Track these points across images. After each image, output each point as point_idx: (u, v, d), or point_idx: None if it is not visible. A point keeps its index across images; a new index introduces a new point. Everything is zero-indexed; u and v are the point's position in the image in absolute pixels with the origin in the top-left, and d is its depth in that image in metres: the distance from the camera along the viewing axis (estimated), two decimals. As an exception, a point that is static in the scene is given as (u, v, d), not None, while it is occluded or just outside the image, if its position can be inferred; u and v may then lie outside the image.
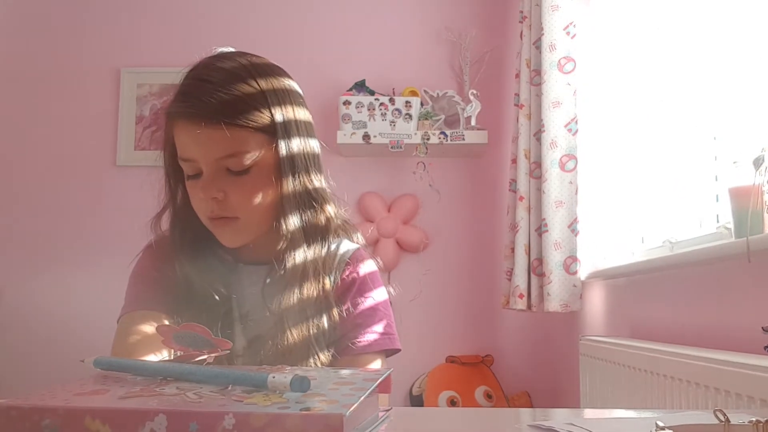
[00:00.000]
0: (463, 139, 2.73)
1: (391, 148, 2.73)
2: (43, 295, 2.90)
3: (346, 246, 1.07)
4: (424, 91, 2.86)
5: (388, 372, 0.57)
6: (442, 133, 2.73)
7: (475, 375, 2.68)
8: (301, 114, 1.01)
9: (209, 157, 0.94)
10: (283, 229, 0.97)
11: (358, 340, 0.99)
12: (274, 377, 0.48)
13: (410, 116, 2.76)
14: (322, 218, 1.02)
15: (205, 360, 0.59)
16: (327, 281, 1.00)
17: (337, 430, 0.41)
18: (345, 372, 0.60)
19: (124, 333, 0.97)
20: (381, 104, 2.76)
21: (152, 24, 3.08)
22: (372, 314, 1.02)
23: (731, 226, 1.33)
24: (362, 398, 0.47)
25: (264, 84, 0.96)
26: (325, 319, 0.99)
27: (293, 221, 0.98)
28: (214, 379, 0.53)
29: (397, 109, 2.76)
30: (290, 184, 0.98)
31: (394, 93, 2.85)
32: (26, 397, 0.49)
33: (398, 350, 1.05)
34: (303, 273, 0.98)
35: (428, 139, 2.72)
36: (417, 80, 2.91)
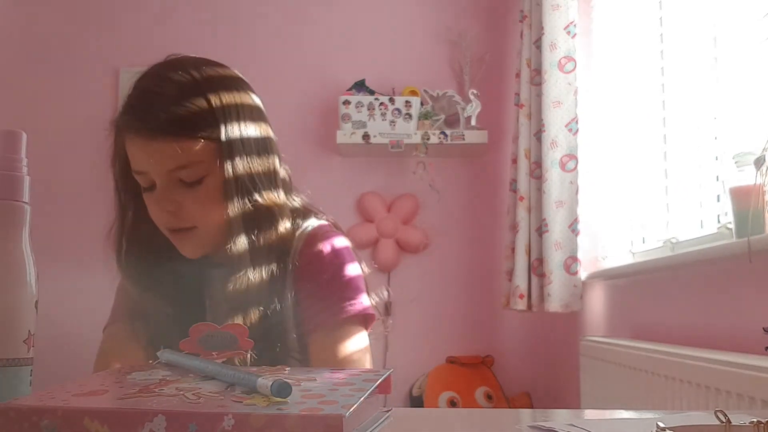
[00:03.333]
0: (463, 139, 2.73)
1: (391, 148, 2.73)
2: (42, 295, 2.89)
3: (309, 223, 1.03)
4: (424, 90, 2.86)
5: (388, 372, 0.57)
6: (442, 132, 2.73)
7: (475, 376, 2.67)
8: (252, 130, 0.98)
9: (161, 169, 0.92)
10: (231, 249, 0.94)
11: (328, 314, 0.95)
12: (263, 380, 0.48)
13: (410, 116, 2.76)
14: (272, 236, 0.98)
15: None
16: (279, 268, 0.97)
17: (337, 431, 0.41)
18: (346, 372, 0.60)
19: (104, 347, 1.03)
20: (381, 104, 2.75)
21: (151, 24, 3.08)
22: (340, 287, 0.98)
23: (732, 226, 1.33)
24: (362, 399, 0.47)
25: (214, 98, 0.94)
26: (282, 305, 0.96)
27: (241, 242, 0.95)
28: (216, 376, 0.53)
29: (397, 109, 2.76)
30: (235, 205, 0.95)
31: (393, 93, 2.84)
32: (25, 398, 0.49)
33: (373, 317, 1.00)
34: (249, 288, 0.94)
35: (428, 138, 2.72)
36: (417, 80, 2.90)
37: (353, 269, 1.01)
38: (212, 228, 0.96)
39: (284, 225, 0.99)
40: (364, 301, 0.99)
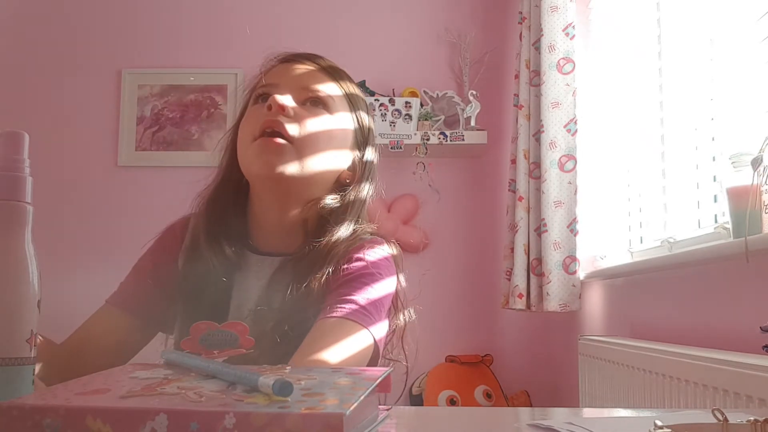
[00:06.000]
0: (463, 140, 2.73)
1: (391, 148, 2.74)
2: (44, 295, 2.90)
3: (366, 233, 1.01)
4: (424, 91, 2.87)
5: (388, 371, 0.58)
6: (442, 133, 2.73)
7: (474, 374, 2.68)
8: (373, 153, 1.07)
9: (296, 83, 0.95)
10: (321, 204, 0.95)
11: (334, 305, 0.88)
12: (264, 379, 0.49)
13: (410, 117, 2.76)
14: (355, 226, 0.98)
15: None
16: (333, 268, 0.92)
17: (337, 429, 0.42)
18: (345, 371, 0.60)
19: (87, 325, 1.00)
20: (381, 105, 2.76)
21: (153, 25, 3.08)
22: (358, 283, 0.92)
23: (729, 226, 1.33)
24: (362, 397, 0.47)
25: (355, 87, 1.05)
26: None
27: (332, 204, 0.96)
28: (218, 375, 0.54)
29: (396, 110, 2.76)
30: (344, 155, 0.98)
31: (393, 94, 2.85)
32: (27, 397, 0.49)
33: (378, 350, 0.93)
34: (315, 267, 0.91)
35: (428, 139, 2.72)
36: (417, 81, 2.91)
37: (385, 282, 0.99)
38: (306, 153, 0.92)
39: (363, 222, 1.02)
40: (382, 329, 0.93)
